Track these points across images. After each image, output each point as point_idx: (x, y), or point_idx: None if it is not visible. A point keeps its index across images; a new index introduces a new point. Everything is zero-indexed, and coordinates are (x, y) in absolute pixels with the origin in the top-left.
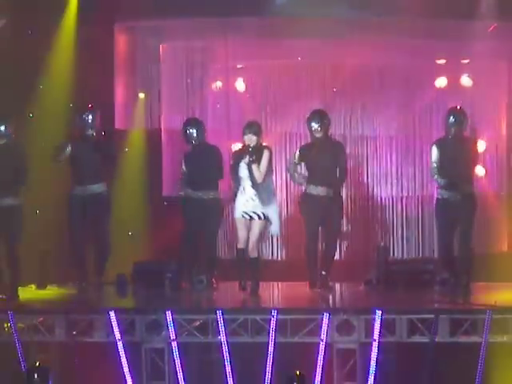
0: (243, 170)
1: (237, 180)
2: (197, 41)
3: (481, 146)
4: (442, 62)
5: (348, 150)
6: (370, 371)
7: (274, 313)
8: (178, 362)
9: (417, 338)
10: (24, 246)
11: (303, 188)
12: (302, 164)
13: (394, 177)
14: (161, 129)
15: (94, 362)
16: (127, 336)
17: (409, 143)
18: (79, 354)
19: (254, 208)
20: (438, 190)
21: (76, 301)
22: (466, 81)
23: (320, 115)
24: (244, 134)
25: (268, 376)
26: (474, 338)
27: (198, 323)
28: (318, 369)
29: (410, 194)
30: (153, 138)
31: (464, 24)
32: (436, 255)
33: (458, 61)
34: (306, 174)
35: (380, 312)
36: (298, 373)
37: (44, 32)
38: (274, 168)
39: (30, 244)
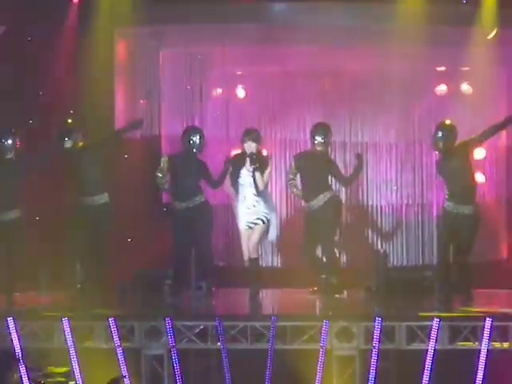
0: (245, 178)
1: (236, 187)
2: (196, 47)
3: (480, 152)
4: (441, 69)
5: (348, 157)
6: (370, 378)
7: (274, 320)
8: (177, 368)
9: (416, 345)
10: (23, 252)
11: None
12: (298, 175)
13: (394, 184)
14: (160, 135)
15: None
16: (126, 342)
17: (409, 150)
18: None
19: (256, 214)
20: (445, 201)
21: (76, 307)
22: (465, 88)
23: (324, 129)
24: (243, 141)
25: (267, 383)
26: (474, 345)
27: (197, 330)
28: (317, 376)
29: (410, 201)
30: (152, 145)
31: (463, 31)
32: (435, 262)
33: (457, 68)
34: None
35: (379, 319)
36: None
37: (44, 39)
38: (272, 175)
39: (29, 251)
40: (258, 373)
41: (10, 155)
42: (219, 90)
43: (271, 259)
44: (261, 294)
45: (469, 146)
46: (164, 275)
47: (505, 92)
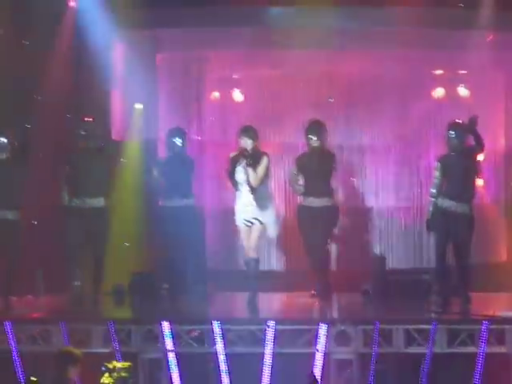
0: (240, 175)
1: (235, 185)
2: (193, 51)
3: (479, 156)
4: (439, 72)
5: (345, 160)
6: (368, 382)
7: (271, 323)
8: (174, 372)
9: (414, 349)
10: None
11: (300, 199)
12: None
13: (391, 186)
14: (158, 139)
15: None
16: (124, 346)
17: (406, 153)
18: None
19: (253, 214)
20: (440, 200)
21: (73, 311)
22: (462, 91)
23: (317, 126)
24: (239, 137)
25: None
26: (472, 349)
27: (195, 333)
28: None
29: (408, 203)
30: (150, 149)
31: (461, 34)
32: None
33: (455, 71)
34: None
35: (377, 322)
36: None
37: (41, 43)
38: (272, 175)
39: (26, 255)
40: (256, 377)
41: (4, 156)
42: (216, 94)
43: (270, 262)
44: (258, 298)
45: (476, 152)
46: (161, 279)
47: (502, 95)
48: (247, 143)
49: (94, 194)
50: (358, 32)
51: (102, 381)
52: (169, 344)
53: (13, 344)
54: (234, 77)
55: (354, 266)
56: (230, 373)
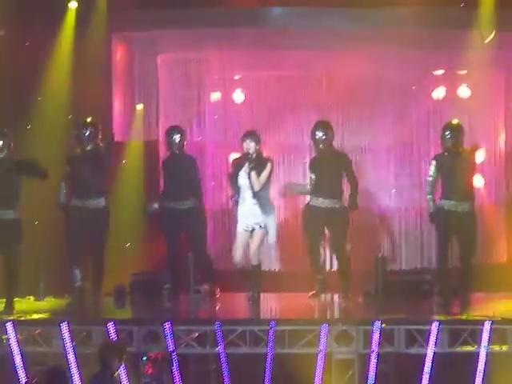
0: (242, 179)
1: (236, 189)
2: (194, 52)
3: (479, 156)
4: (439, 72)
5: None
6: (369, 382)
7: (273, 324)
8: (176, 372)
9: (415, 349)
10: (22, 257)
11: (307, 198)
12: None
13: (392, 187)
14: (158, 140)
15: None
16: None
17: (406, 154)
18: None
19: (255, 218)
20: (440, 200)
21: (74, 312)
22: (463, 91)
23: (324, 126)
24: (243, 141)
25: None
26: (473, 349)
27: (196, 334)
28: (316, 379)
29: (409, 204)
30: (151, 150)
31: (461, 34)
32: (435, 266)
33: (455, 71)
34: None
35: (379, 323)
36: None
37: (41, 44)
38: (273, 180)
39: (27, 255)
40: (258, 377)
41: (2, 156)
42: (217, 95)
43: (270, 263)
44: (260, 298)
45: (473, 159)
46: (162, 279)
47: (502, 95)
48: (250, 146)
49: (93, 196)
50: (358, 33)
51: (144, 371)
52: (170, 345)
53: (14, 345)
54: (234, 77)
55: (355, 267)
56: (231, 374)
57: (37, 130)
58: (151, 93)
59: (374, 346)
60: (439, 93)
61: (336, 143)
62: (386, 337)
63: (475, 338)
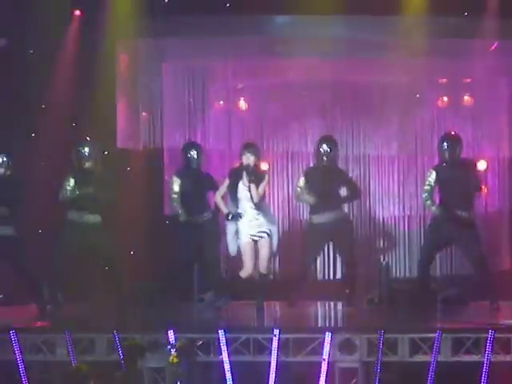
0: (242, 192)
1: (235, 201)
2: (198, 60)
3: (482, 164)
4: (443, 80)
5: (350, 170)
6: None
7: (276, 332)
8: (178, 381)
9: (419, 357)
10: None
11: (308, 216)
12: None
13: (396, 196)
14: (163, 148)
15: None
16: None
17: (410, 162)
18: None
19: (259, 227)
20: (434, 211)
21: (78, 320)
22: (466, 99)
23: (331, 142)
24: (242, 153)
25: None
26: (477, 358)
27: (200, 342)
28: None
29: (413, 213)
30: (155, 157)
31: (465, 43)
32: (438, 274)
33: (459, 79)
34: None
35: (382, 331)
36: None
37: (46, 51)
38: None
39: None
40: None
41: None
42: (221, 103)
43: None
44: (264, 307)
45: (474, 170)
46: (166, 287)
47: (506, 104)
48: (250, 159)
49: (91, 211)
50: (362, 41)
51: (170, 360)
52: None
53: (17, 353)
54: (238, 86)
55: (359, 275)
56: (235, 382)
57: (40, 137)
58: (155, 100)
59: (378, 355)
60: (443, 101)
61: (341, 152)
62: (390, 345)
63: (479, 346)
